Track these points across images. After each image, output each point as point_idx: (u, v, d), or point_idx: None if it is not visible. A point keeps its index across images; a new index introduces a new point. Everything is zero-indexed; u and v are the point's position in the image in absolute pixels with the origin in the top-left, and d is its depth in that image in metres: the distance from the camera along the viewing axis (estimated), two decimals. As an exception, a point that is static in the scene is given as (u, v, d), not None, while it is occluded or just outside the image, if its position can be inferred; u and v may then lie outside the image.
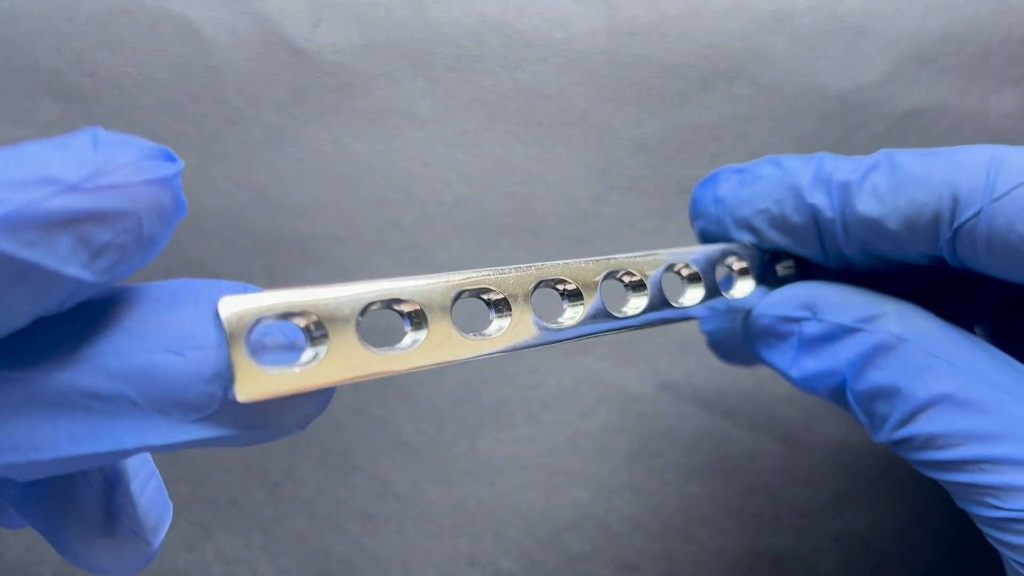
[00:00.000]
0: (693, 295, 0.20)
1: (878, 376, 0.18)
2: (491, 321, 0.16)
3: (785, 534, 0.31)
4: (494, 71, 0.34)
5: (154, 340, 0.13)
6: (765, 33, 0.35)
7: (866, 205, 0.18)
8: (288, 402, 0.13)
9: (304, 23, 0.34)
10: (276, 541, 0.30)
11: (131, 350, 0.13)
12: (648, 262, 0.19)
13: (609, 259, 0.18)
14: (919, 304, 0.19)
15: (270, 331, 0.13)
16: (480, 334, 0.16)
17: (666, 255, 0.19)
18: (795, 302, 0.19)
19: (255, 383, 0.12)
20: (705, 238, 0.22)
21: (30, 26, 0.33)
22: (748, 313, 0.21)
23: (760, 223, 0.20)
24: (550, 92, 0.34)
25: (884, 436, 0.18)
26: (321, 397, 0.14)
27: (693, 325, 0.32)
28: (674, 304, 0.19)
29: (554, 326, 0.17)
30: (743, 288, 0.21)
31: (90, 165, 0.12)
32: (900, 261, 0.19)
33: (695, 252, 0.20)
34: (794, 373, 0.20)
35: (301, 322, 0.13)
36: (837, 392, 0.19)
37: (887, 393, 0.18)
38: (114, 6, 0.33)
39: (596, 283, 0.17)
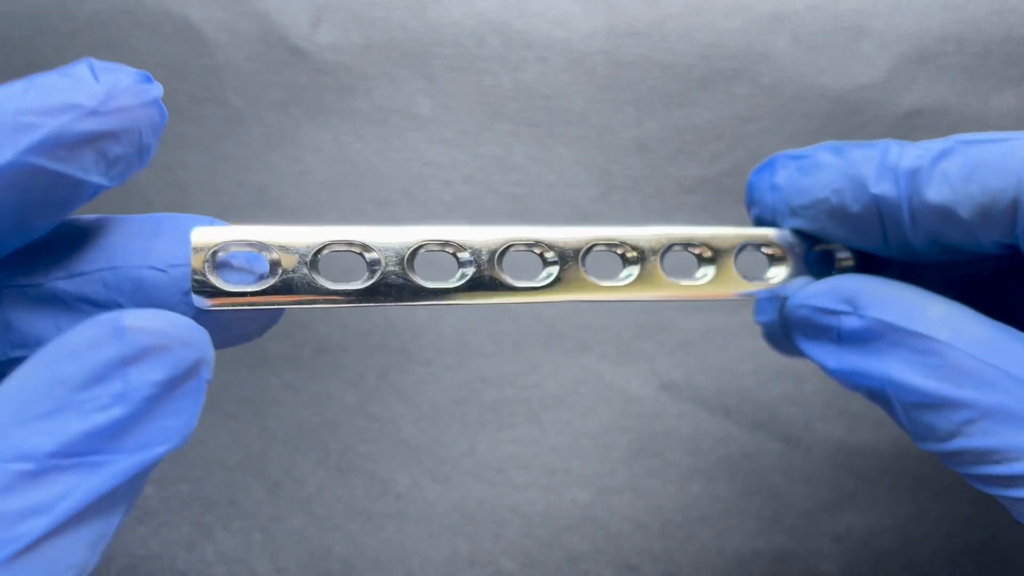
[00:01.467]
0: (777, 273, 0.20)
1: (923, 383, 0.17)
2: (455, 270, 0.18)
3: (785, 534, 0.31)
4: (494, 71, 0.34)
5: (142, 259, 0.16)
6: (765, 33, 0.35)
7: (936, 192, 0.17)
8: (239, 315, 0.16)
9: (304, 23, 0.34)
10: (276, 541, 0.30)
11: (123, 266, 0.15)
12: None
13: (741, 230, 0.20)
14: (986, 294, 0.18)
15: (239, 258, 0.16)
16: (437, 282, 0.18)
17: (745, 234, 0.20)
18: (836, 295, 0.19)
19: (202, 287, 0.16)
20: (760, 225, 0.22)
21: (30, 26, 0.33)
22: (785, 301, 0.20)
23: (819, 213, 0.20)
24: (550, 92, 0.34)
25: (931, 447, 0.17)
26: (267, 317, 0.17)
27: (693, 324, 0.32)
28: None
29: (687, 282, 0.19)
30: (785, 274, 0.21)
31: (101, 92, 0.14)
32: (969, 250, 0.18)
33: (769, 234, 0.20)
34: (833, 368, 0.19)
35: (266, 255, 0.16)
36: (878, 393, 0.18)
37: (933, 402, 0.17)
38: (114, 6, 0.33)
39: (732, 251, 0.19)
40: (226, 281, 0.16)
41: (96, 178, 0.15)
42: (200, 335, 0.15)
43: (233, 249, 0.16)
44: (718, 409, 0.32)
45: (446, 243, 0.17)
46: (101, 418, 0.13)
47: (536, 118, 0.34)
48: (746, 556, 0.31)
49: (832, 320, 0.19)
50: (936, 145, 0.18)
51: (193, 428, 0.14)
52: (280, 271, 0.16)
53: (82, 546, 0.13)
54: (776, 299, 0.21)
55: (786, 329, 0.20)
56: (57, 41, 0.33)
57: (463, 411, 0.31)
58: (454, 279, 0.18)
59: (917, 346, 0.17)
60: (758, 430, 0.32)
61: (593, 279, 0.18)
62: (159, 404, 0.14)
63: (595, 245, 0.18)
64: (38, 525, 0.12)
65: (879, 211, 0.18)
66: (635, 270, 0.19)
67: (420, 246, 0.17)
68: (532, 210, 0.33)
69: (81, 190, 0.15)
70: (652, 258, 0.19)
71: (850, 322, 0.18)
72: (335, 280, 0.17)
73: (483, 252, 0.18)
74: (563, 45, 0.34)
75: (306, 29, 0.34)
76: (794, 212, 0.20)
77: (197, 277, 0.15)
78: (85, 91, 0.14)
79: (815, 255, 0.21)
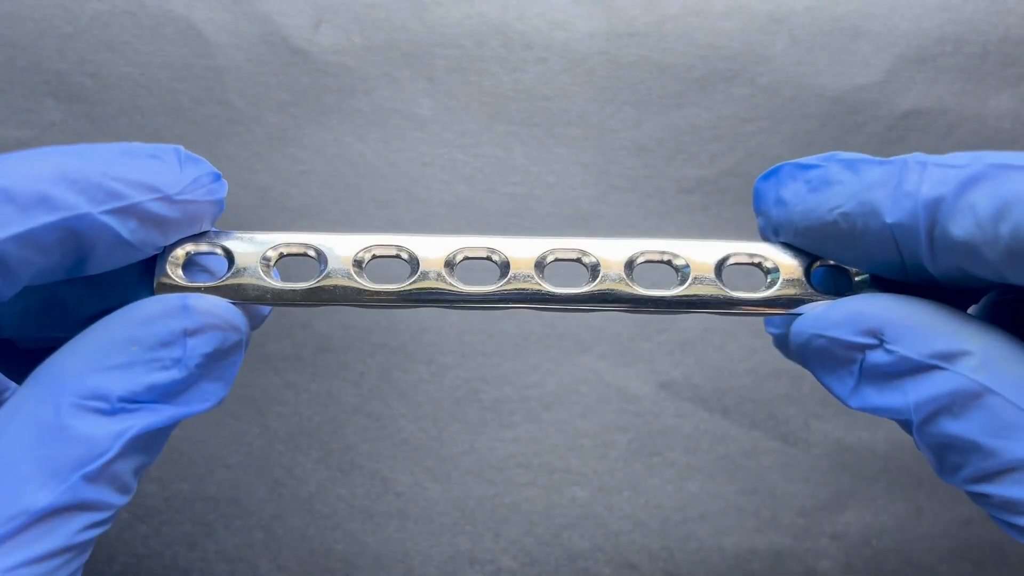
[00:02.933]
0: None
1: (953, 426, 0.15)
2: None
3: (784, 533, 0.31)
4: (494, 72, 0.34)
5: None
6: (763, 34, 0.35)
7: (960, 228, 0.15)
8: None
9: (305, 24, 0.34)
10: (277, 539, 0.30)
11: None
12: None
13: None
14: (1014, 318, 0.16)
15: (208, 260, 0.18)
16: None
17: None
18: (859, 325, 0.16)
19: (165, 284, 0.18)
20: (765, 237, 0.20)
21: (33, 27, 0.33)
22: (792, 320, 0.18)
23: (827, 238, 0.18)
24: (550, 93, 0.34)
25: (956, 483, 0.16)
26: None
27: (692, 324, 0.33)
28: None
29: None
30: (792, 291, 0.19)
31: (180, 182, 0.17)
32: (996, 283, 0.16)
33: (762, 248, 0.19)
34: (853, 404, 0.17)
35: (223, 255, 0.18)
36: (901, 423, 0.17)
37: (962, 446, 0.15)
38: (116, 7, 0.33)
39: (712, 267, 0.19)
40: (192, 272, 0.18)
41: (151, 250, 0.17)
42: (244, 321, 0.17)
43: (197, 249, 0.18)
44: (716, 408, 0.32)
45: (398, 247, 0.19)
46: (163, 376, 0.16)
47: (536, 119, 0.34)
48: (744, 554, 0.31)
49: (855, 354, 0.16)
50: (963, 166, 0.15)
51: (226, 395, 0.18)
52: (234, 270, 0.18)
53: (130, 473, 0.16)
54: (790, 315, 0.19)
55: (801, 356, 0.18)
56: (60, 42, 0.33)
57: (463, 410, 0.32)
58: (403, 283, 0.18)
59: (951, 388, 0.15)
60: (756, 429, 0.32)
61: (639, 289, 0.19)
62: (206, 371, 0.17)
63: (639, 255, 0.19)
64: (110, 449, 0.15)
65: (895, 241, 0.16)
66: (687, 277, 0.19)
67: (368, 249, 0.18)
68: (532, 210, 0.33)
69: (134, 254, 0.17)
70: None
71: (875, 356, 0.16)
72: (289, 280, 0.18)
73: (429, 259, 0.18)
74: (563, 46, 0.34)
75: (307, 30, 0.34)
76: (799, 233, 0.18)
77: (160, 271, 0.18)
78: (169, 177, 0.17)
79: (823, 269, 0.19)
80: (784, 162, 0.19)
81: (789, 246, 0.19)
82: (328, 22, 0.34)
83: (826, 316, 0.17)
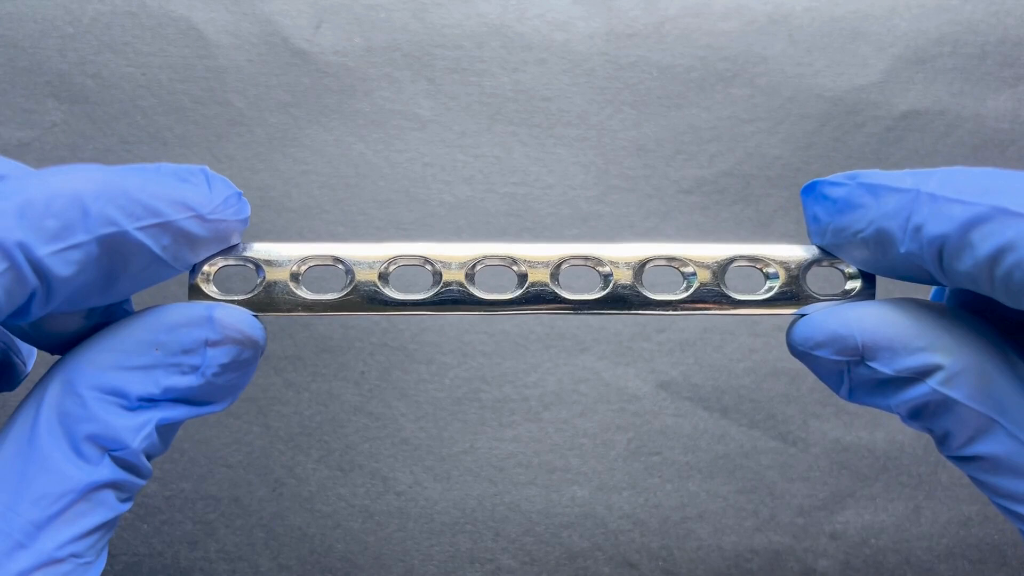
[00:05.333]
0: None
1: (929, 423, 0.18)
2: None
3: (782, 531, 0.31)
4: (494, 73, 0.34)
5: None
6: (763, 35, 0.35)
7: (963, 264, 0.16)
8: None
9: (306, 25, 0.34)
10: (278, 538, 0.30)
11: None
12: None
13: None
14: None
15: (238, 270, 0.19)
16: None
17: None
18: (839, 345, 0.18)
19: (197, 295, 0.19)
20: (812, 240, 0.21)
21: (34, 28, 0.33)
22: (789, 329, 0.20)
23: (856, 254, 0.19)
24: (550, 93, 0.34)
25: (946, 454, 0.19)
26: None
27: (691, 323, 0.33)
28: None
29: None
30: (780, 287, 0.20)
31: (211, 202, 0.17)
32: None
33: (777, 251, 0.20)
34: (849, 400, 0.19)
35: (252, 267, 0.19)
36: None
37: (939, 435, 0.18)
38: (117, 8, 0.33)
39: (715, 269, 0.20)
40: (222, 291, 0.19)
41: (180, 266, 0.18)
42: (263, 334, 0.18)
43: (225, 262, 0.19)
44: (716, 407, 0.32)
45: (421, 258, 0.19)
46: (180, 380, 0.17)
47: (536, 119, 0.34)
48: (743, 553, 0.31)
49: (842, 367, 0.18)
50: (969, 204, 0.16)
51: (236, 399, 0.19)
52: (264, 283, 0.19)
53: (146, 458, 0.17)
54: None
55: (800, 360, 0.20)
56: (61, 42, 0.33)
57: (463, 410, 0.32)
58: (426, 291, 0.19)
59: (924, 399, 0.17)
60: (755, 428, 0.32)
61: (650, 292, 0.19)
62: (220, 379, 0.17)
63: (650, 261, 0.20)
64: (133, 438, 0.17)
65: (912, 264, 0.18)
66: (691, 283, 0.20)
67: (391, 261, 0.19)
68: (532, 210, 0.33)
69: (164, 273, 0.17)
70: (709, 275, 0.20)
71: (859, 370, 0.18)
72: (316, 292, 0.19)
73: (452, 265, 0.19)
74: (562, 47, 0.34)
75: (308, 31, 0.34)
76: (831, 247, 0.20)
77: (194, 283, 0.19)
78: (201, 197, 0.17)
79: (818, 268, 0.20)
80: (817, 179, 0.20)
81: (822, 249, 0.20)
82: (329, 23, 0.34)
83: (811, 336, 0.19)
